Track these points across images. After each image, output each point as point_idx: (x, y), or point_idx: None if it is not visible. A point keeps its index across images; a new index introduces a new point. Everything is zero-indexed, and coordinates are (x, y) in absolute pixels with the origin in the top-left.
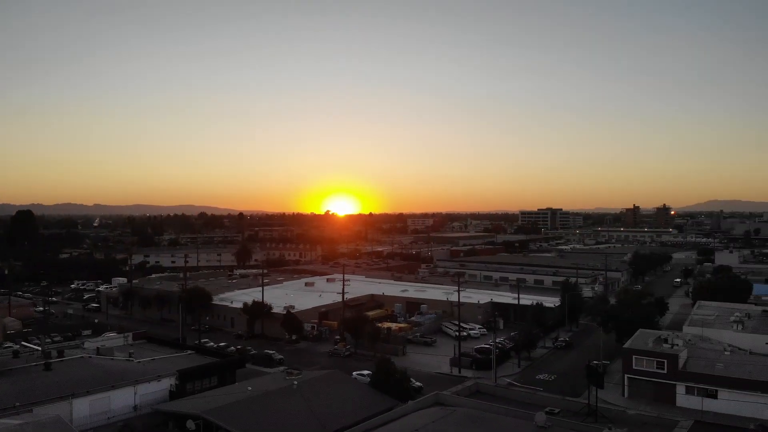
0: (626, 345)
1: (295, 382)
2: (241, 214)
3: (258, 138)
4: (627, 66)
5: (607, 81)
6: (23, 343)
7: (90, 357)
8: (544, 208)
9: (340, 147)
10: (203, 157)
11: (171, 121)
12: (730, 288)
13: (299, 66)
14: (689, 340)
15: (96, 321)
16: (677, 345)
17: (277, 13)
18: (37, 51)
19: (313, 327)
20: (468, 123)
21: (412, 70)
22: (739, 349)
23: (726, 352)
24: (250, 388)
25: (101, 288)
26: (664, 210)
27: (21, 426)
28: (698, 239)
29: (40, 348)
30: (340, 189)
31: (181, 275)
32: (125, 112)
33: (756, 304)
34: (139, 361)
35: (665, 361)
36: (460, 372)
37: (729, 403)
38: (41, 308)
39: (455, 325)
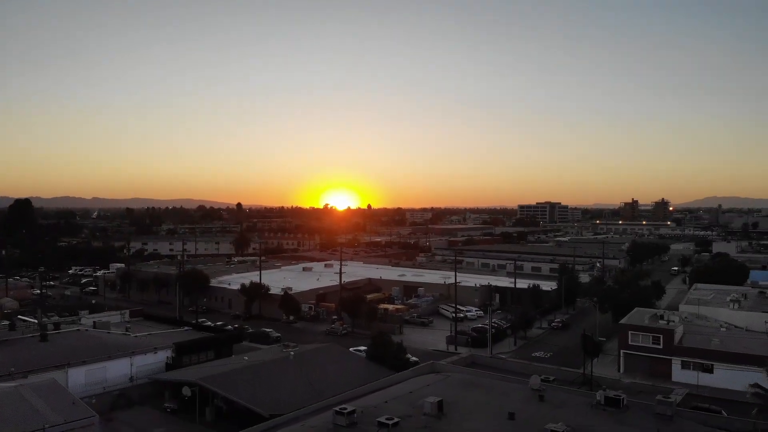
0: (622, 321)
1: (292, 353)
2: (239, 205)
3: (258, 133)
4: (627, 65)
5: (606, 79)
6: (20, 316)
7: (86, 330)
8: (543, 202)
9: (339, 143)
10: (202, 152)
11: (170, 116)
12: (727, 271)
13: (300, 62)
14: (685, 317)
15: (93, 302)
16: (673, 321)
17: (277, 6)
18: (35, 46)
19: (310, 308)
20: (467, 120)
21: (412, 66)
22: (735, 327)
23: (722, 329)
24: (246, 358)
25: (99, 273)
26: (662, 204)
27: (17, 387)
28: (696, 232)
29: (36, 321)
30: (339, 184)
31: (179, 257)
32: (125, 107)
33: (752, 287)
34: (136, 335)
35: (661, 336)
36: (456, 349)
37: (725, 377)
38: (38, 291)
39: (452, 307)
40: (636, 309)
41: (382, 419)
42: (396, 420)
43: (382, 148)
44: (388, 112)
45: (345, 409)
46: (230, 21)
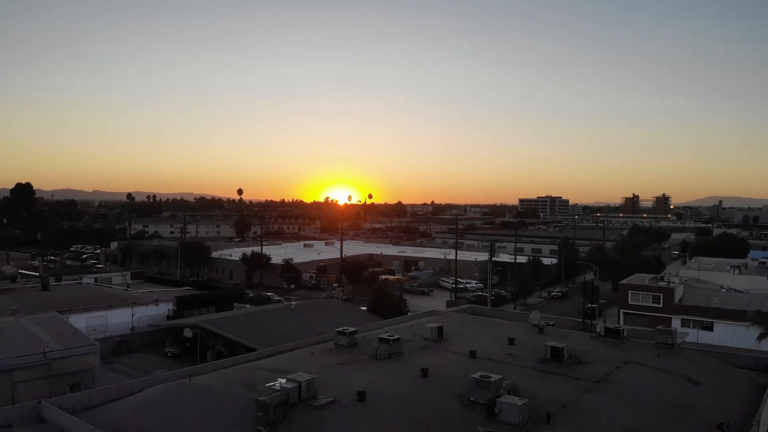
0: (623, 282)
1: (293, 305)
2: (240, 191)
3: (258, 128)
4: (630, 63)
5: (609, 78)
6: (21, 270)
7: (88, 284)
8: (544, 196)
9: (340, 139)
10: (203, 147)
11: (171, 112)
12: (728, 247)
13: (300, 60)
14: (685, 281)
15: (94, 270)
16: (673, 282)
17: None
18: (34, 43)
19: (311, 277)
20: (468, 117)
21: (414, 62)
22: (736, 291)
23: (722, 290)
24: (248, 306)
25: (99, 250)
26: (663, 199)
27: (17, 319)
28: (697, 225)
29: (38, 275)
30: (340, 180)
31: (180, 231)
32: (125, 101)
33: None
34: (138, 291)
35: (661, 295)
36: None
37: (725, 334)
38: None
39: (452, 279)
40: (636, 274)
41: (383, 335)
42: (397, 336)
43: (383, 144)
44: (389, 108)
45: (347, 329)
46: (228, 12)
